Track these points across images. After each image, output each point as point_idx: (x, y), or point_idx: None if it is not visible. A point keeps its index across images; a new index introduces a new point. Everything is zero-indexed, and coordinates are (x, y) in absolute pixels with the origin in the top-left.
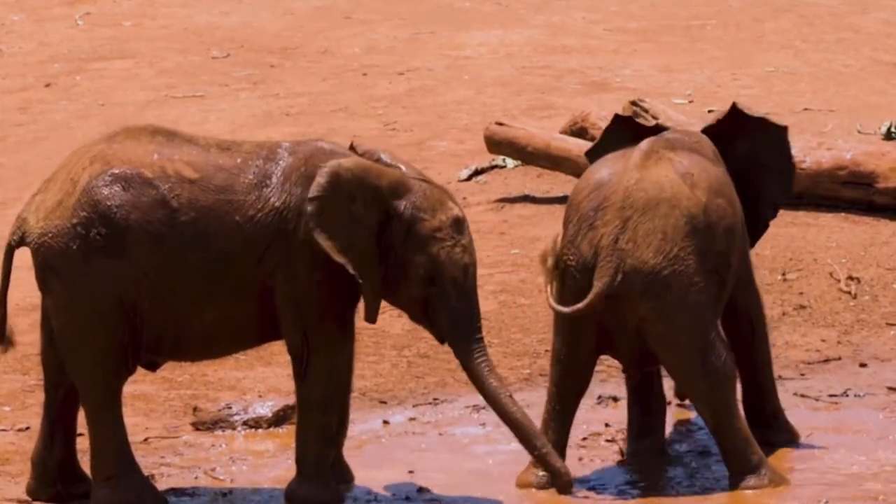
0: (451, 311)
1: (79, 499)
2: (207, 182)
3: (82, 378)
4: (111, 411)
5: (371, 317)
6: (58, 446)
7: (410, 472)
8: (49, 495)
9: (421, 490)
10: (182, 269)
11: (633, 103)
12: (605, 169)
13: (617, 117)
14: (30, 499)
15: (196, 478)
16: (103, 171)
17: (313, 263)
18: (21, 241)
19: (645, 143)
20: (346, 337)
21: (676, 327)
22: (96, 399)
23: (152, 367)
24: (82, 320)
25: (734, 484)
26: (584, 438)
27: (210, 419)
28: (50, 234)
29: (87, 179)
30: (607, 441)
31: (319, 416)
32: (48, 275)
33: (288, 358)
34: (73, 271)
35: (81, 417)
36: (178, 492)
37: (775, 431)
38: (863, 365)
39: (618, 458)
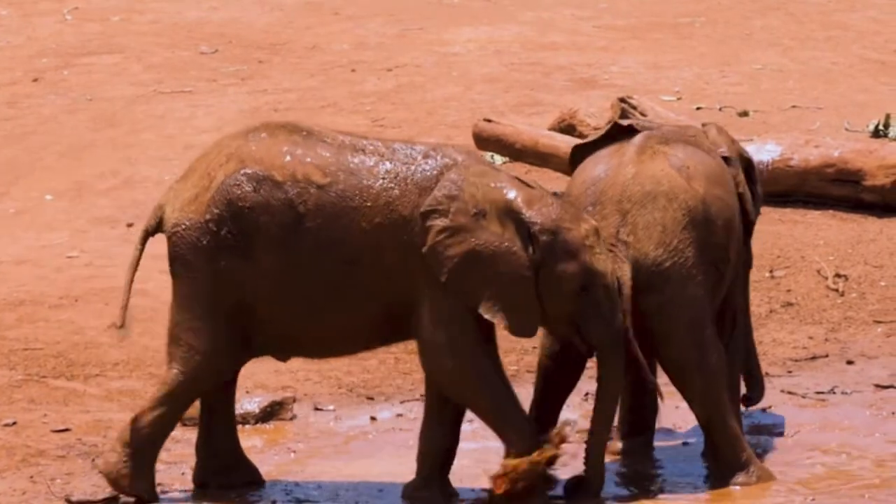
0: (602, 319)
1: (243, 486)
2: (335, 186)
3: (175, 365)
4: (178, 403)
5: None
6: (216, 435)
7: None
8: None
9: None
10: (306, 274)
11: (622, 100)
12: (600, 165)
13: (616, 125)
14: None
15: (183, 473)
16: (237, 171)
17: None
18: (157, 228)
19: (638, 139)
20: (485, 351)
21: (675, 322)
22: (175, 389)
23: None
24: (199, 314)
25: (723, 481)
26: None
27: (197, 415)
28: (183, 226)
29: (223, 177)
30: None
31: (501, 429)
32: (178, 265)
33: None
34: (200, 266)
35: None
36: (165, 487)
37: None
38: (850, 362)
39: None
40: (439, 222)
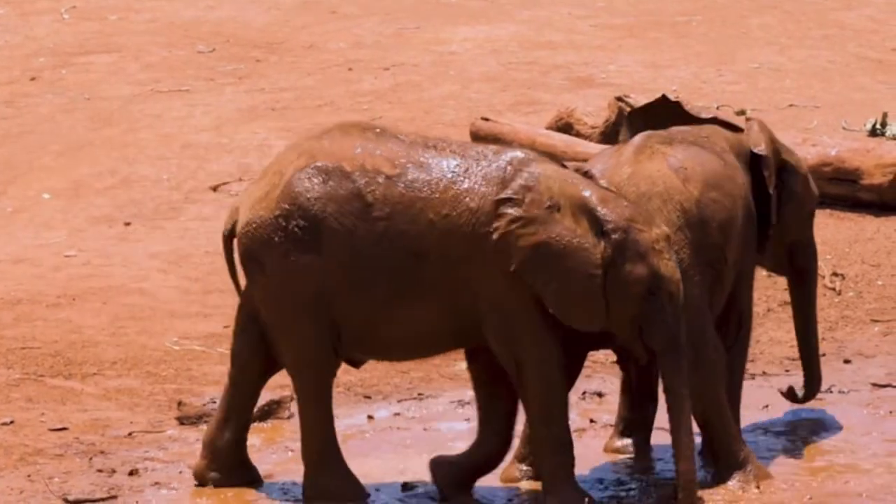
0: (665, 324)
1: (248, 485)
2: (403, 178)
3: (292, 368)
4: (318, 403)
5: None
6: (230, 431)
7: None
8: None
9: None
10: (373, 264)
11: (619, 99)
12: (598, 165)
13: (664, 97)
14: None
15: (180, 472)
16: (307, 165)
17: (507, 269)
18: (233, 231)
19: (638, 138)
20: (556, 344)
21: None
22: (306, 390)
23: (355, 364)
24: (285, 312)
25: (720, 479)
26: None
27: (195, 414)
28: (254, 225)
29: (292, 172)
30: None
31: (545, 430)
32: (251, 265)
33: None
34: (274, 263)
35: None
36: (163, 486)
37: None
38: (847, 361)
39: (603, 453)
40: (513, 211)
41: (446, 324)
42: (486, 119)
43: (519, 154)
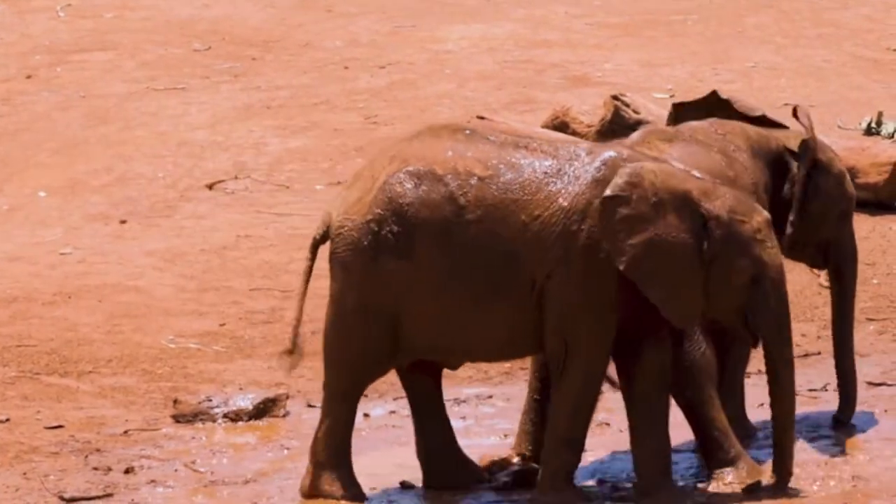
0: (770, 311)
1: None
2: (496, 179)
3: (332, 366)
4: (347, 405)
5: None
6: (431, 434)
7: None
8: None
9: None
10: (466, 266)
11: (615, 98)
12: None
13: (714, 93)
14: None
15: (176, 470)
16: (399, 169)
17: (590, 269)
18: (325, 236)
19: (638, 134)
20: (607, 346)
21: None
22: (337, 389)
23: (453, 367)
24: (352, 314)
25: (712, 476)
26: None
27: (190, 412)
28: (346, 228)
29: (385, 177)
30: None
31: (568, 425)
32: (337, 267)
33: (268, 350)
34: (360, 267)
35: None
36: (159, 484)
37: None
38: None
39: (599, 451)
40: (622, 210)
41: (532, 326)
42: (482, 117)
43: (612, 153)
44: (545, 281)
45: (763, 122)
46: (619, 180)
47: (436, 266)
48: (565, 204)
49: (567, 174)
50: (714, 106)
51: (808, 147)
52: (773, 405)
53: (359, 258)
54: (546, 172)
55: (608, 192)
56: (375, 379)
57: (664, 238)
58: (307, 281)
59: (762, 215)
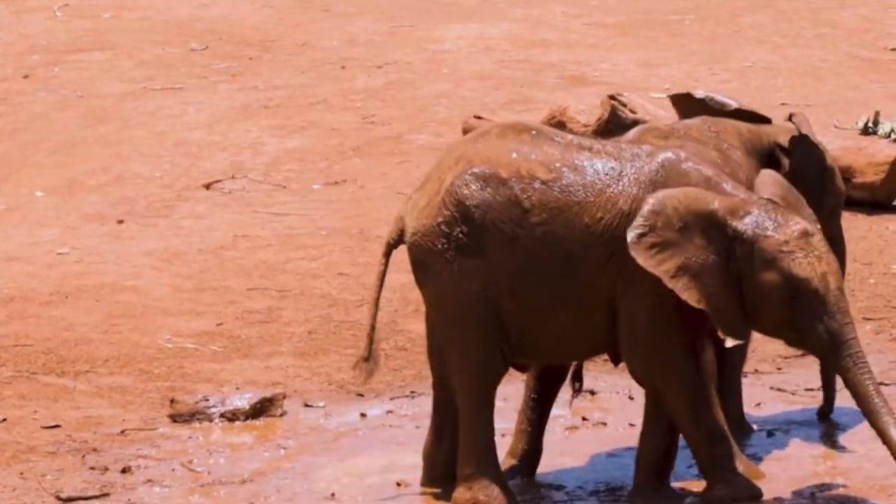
0: (823, 326)
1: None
2: (559, 182)
3: (457, 372)
4: (481, 408)
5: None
6: (447, 441)
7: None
8: (443, 490)
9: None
10: (534, 270)
11: (612, 97)
12: None
13: (688, 95)
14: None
15: (173, 470)
16: (465, 171)
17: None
18: (399, 240)
19: (634, 132)
20: (690, 354)
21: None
22: (469, 394)
23: (521, 368)
24: (452, 317)
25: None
26: (566, 429)
27: (187, 411)
28: (420, 233)
29: (451, 179)
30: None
31: (693, 430)
32: (420, 272)
33: (265, 350)
34: (439, 269)
35: None
36: (156, 484)
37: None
38: None
39: (596, 451)
40: (649, 239)
41: (604, 328)
42: (479, 117)
43: (670, 155)
44: (613, 286)
45: (740, 115)
46: (642, 211)
47: (505, 268)
48: (625, 207)
49: (628, 176)
50: (692, 109)
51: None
52: (865, 409)
53: (437, 261)
54: (608, 174)
55: (634, 226)
56: (497, 378)
57: (693, 260)
58: (380, 286)
59: (795, 227)
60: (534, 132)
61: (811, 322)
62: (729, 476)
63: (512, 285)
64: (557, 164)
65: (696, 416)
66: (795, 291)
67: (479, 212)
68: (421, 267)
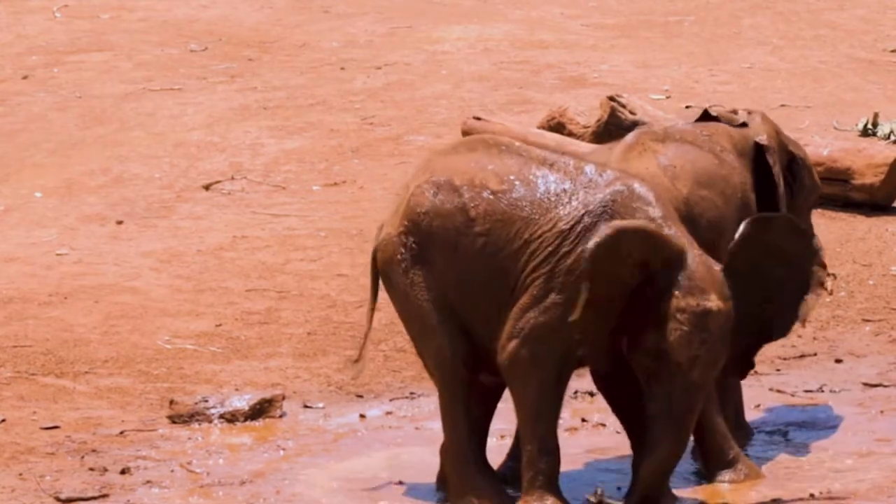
0: (665, 395)
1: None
2: (508, 195)
3: (431, 376)
4: (454, 411)
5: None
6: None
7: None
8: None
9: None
10: (473, 280)
11: (611, 99)
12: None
13: (706, 112)
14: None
15: (172, 471)
16: (425, 180)
17: (569, 292)
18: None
19: (631, 136)
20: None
21: None
22: (442, 396)
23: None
24: (415, 328)
25: (710, 478)
26: (565, 430)
27: (186, 412)
28: (384, 242)
29: (412, 189)
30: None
31: (531, 433)
32: (385, 282)
33: (264, 351)
34: (397, 280)
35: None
36: (154, 485)
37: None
38: (838, 361)
39: (596, 451)
40: (591, 261)
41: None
42: (478, 118)
43: (625, 189)
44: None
45: (709, 119)
46: (597, 239)
47: (451, 277)
48: (565, 227)
49: (577, 198)
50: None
51: (769, 146)
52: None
53: (396, 271)
54: (558, 193)
55: (589, 247)
56: (471, 380)
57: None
58: (375, 293)
59: (702, 302)
60: (504, 146)
61: (661, 387)
62: (541, 493)
63: (456, 296)
64: (511, 177)
65: (538, 421)
66: (662, 354)
67: (427, 219)
68: (384, 277)
